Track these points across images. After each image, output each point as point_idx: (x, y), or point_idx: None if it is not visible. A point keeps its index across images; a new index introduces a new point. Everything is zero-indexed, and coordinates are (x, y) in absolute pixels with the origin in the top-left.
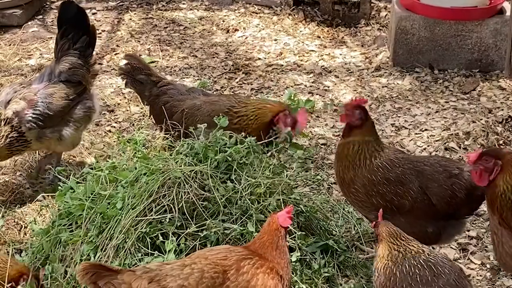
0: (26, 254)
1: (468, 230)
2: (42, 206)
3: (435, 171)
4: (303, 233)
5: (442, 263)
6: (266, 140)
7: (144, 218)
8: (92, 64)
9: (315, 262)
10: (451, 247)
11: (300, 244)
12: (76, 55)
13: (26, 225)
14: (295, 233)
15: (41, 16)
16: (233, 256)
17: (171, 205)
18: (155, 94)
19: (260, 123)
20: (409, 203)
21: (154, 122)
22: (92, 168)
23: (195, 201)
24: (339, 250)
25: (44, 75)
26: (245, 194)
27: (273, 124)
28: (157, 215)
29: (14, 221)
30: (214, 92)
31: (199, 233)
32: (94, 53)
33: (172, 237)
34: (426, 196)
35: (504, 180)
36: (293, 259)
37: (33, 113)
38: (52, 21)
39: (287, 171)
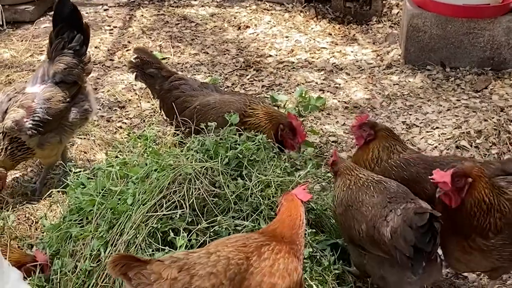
0: (37, 249)
1: None
2: (53, 201)
3: None
4: (313, 230)
5: (389, 180)
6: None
7: (154, 214)
8: (87, 63)
9: (325, 259)
10: None
11: (310, 241)
12: (71, 55)
13: (37, 220)
14: (306, 230)
15: (53, 12)
16: (251, 243)
17: (182, 201)
18: (166, 89)
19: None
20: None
21: (164, 116)
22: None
23: (205, 197)
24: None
25: (38, 77)
26: (256, 191)
27: (277, 139)
28: (167, 211)
29: (25, 216)
30: (225, 89)
31: (210, 229)
32: (88, 51)
33: (183, 233)
34: None
35: (473, 196)
36: (305, 255)
37: (33, 120)
38: None
39: (298, 169)
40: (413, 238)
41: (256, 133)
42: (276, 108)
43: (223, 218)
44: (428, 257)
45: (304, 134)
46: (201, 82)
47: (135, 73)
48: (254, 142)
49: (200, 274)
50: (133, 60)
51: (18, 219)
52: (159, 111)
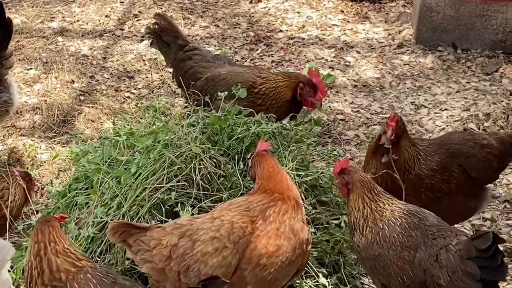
0: (42, 215)
1: (483, 212)
2: (60, 169)
3: (469, 147)
4: (317, 211)
5: (422, 210)
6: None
7: (158, 186)
8: (7, 57)
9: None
10: (464, 228)
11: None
12: None
13: (42, 186)
14: (313, 207)
15: None
16: (255, 207)
17: (188, 175)
18: (180, 58)
19: (282, 102)
20: (455, 185)
21: (177, 85)
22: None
23: (210, 172)
24: None
25: None
26: None
27: (295, 100)
28: (167, 183)
29: None
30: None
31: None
32: (9, 45)
33: (187, 206)
34: (465, 173)
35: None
36: (312, 230)
37: None
38: None
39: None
40: (478, 271)
41: (272, 101)
42: None
43: (229, 195)
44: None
45: (325, 91)
46: (215, 54)
47: (151, 39)
48: (269, 126)
49: (203, 239)
50: (151, 26)
51: None
52: (172, 80)
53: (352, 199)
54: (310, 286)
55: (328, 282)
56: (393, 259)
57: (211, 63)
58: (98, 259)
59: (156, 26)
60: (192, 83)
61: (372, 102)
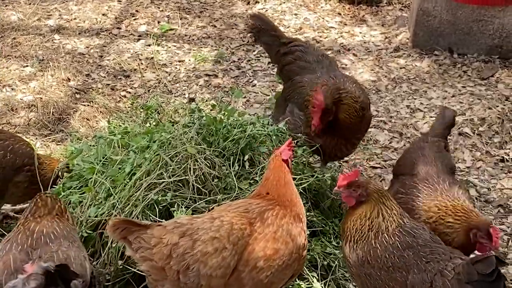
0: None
1: None
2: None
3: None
4: (311, 214)
5: (417, 227)
6: None
7: (153, 186)
8: None
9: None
10: None
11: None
12: None
13: None
14: (307, 210)
15: None
16: (254, 208)
17: (182, 174)
18: (282, 52)
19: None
20: None
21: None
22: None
23: (205, 173)
24: None
25: None
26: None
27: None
28: (165, 182)
29: None
30: (231, 64)
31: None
32: None
33: (181, 207)
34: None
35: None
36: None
37: None
38: None
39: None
40: None
41: None
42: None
43: (223, 197)
44: None
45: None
46: (322, 53)
47: (253, 38)
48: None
49: (203, 239)
50: (250, 24)
51: None
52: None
53: (365, 208)
54: None
55: (321, 286)
56: (385, 280)
57: (310, 64)
58: (91, 258)
59: (254, 27)
60: (285, 80)
61: None
